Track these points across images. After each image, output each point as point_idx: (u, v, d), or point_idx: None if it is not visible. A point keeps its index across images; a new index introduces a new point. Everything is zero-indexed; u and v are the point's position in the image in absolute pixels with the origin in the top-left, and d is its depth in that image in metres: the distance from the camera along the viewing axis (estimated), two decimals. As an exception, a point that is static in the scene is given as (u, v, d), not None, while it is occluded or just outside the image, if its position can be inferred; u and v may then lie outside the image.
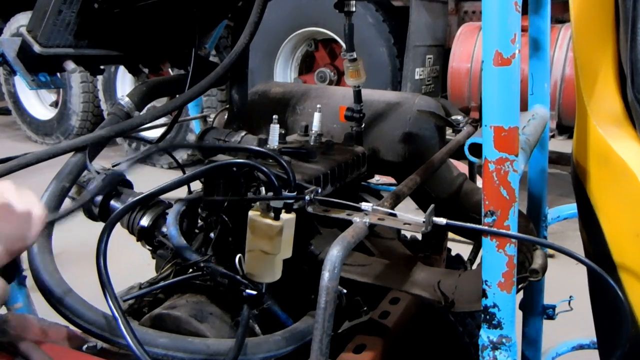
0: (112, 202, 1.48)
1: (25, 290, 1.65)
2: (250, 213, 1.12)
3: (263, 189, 1.20)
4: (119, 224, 1.28)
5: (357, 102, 1.72)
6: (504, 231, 0.89)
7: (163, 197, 1.38)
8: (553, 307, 1.76)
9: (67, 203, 1.25)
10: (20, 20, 7.07)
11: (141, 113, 1.43)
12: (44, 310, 1.15)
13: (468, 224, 0.97)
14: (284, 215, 1.10)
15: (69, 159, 1.24)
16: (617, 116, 1.14)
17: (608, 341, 1.25)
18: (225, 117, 1.80)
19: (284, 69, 6.62)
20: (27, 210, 0.83)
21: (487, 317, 0.93)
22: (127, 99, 1.42)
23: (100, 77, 6.64)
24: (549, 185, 1.71)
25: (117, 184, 1.43)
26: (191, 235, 1.46)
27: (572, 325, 1.95)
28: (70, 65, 1.38)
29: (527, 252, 1.19)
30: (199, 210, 1.46)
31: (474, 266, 1.96)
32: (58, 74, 1.43)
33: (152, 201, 1.46)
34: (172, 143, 1.44)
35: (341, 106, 1.73)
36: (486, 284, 0.92)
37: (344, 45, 1.70)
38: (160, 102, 3.52)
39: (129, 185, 1.55)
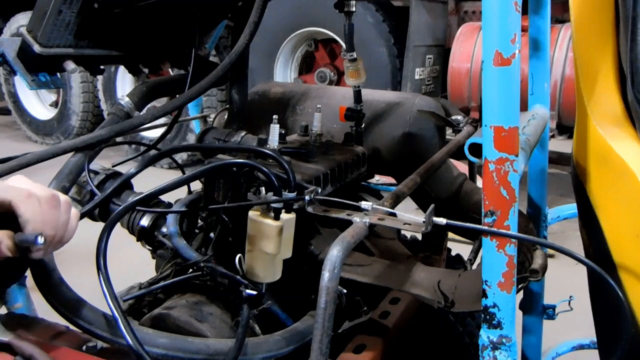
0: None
1: (25, 290, 1.65)
2: (250, 213, 1.12)
3: (263, 189, 1.20)
4: (119, 224, 1.28)
5: (357, 102, 1.72)
6: (504, 231, 0.89)
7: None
8: (553, 307, 1.76)
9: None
10: (20, 20, 7.07)
11: (141, 113, 1.43)
12: (44, 310, 1.15)
13: (468, 224, 0.97)
14: (284, 215, 1.10)
15: (69, 159, 1.24)
16: (617, 116, 1.14)
17: (608, 341, 1.25)
18: (225, 117, 1.80)
19: (284, 69, 6.62)
20: (67, 202, 0.84)
21: (487, 317, 0.93)
22: (127, 99, 1.42)
23: (100, 77, 6.64)
24: (549, 185, 1.71)
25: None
26: (191, 235, 1.46)
27: (572, 325, 1.95)
28: (70, 65, 1.38)
29: (527, 252, 1.19)
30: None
31: (474, 266, 1.96)
32: (58, 74, 1.43)
33: (152, 201, 1.46)
34: (174, 147, 1.43)
35: (341, 106, 1.73)
36: (486, 284, 0.92)
37: (344, 45, 1.70)
38: (160, 102, 3.52)
39: (128, 185, 1.55)
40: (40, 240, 0.76)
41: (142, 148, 1.70)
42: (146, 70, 1.68)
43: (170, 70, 1.93)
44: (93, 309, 1.02)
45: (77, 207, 1.63)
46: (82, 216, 1.08)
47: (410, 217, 0.99)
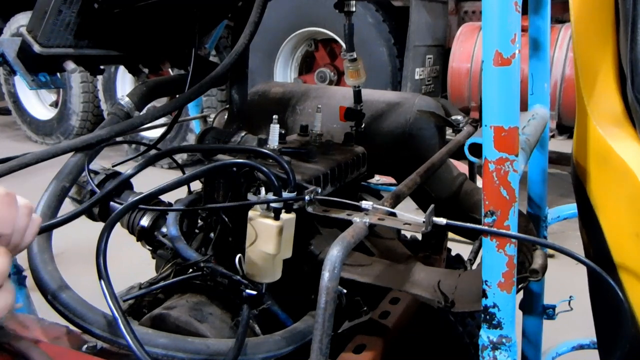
0: (112, 202, 1.48)
1: (25, 290, 1.66)
2: (250, 213, 1.12)
3: (263, 189, 1.20)
4: (119, 224, 1.28)
5: (357, 102, 1.72)
6: (504, 231, 0.88)
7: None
8: (553, 307, 1.76)
9: (67, 203, 1.25)
10: (20, 20, 7.08)
11: (141, 113, 1.43)
12: (44, 310, 1.15)
13: (468, 224, 0.97)
14: (284, 215, 1.10)
15: (69, 159, 1.24)
16: (617, 116, 1.14)
17: (608, 341, 1.25)
18: (225, 117, 1.80)
19: (284, 69, 6.62)
20: (28, 206, 0.81)
21: (487, 317, 0.93)
22: (127, 99, 1.42)
23: (100, 77, 6.64)
24: (549, 185, 1.71)
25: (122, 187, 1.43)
26: (191, 235, 1.46)
27: (572, 325, 1.95)
28: (70, 65, 1.38)
29: (527, 252, 1.19)
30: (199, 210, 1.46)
31: (474, 266, 1.96)
32: (58, 74, 1.43)
33: (152, 201, 1.46)
34: (173, 147, 1.43)
35: (341, 106, 1.73)
36: (486, 284, 0.92)
37: (344, 45, 1.70)
38: (160, 102, 3.52)
39: (129, 185, 1.55)
40: None
41: (142, 148, 1.70)
42: (146, 70, 1.68)
43: (170, 70, 1.93)
44: (93, 309, 1.02)
45: (77, 207, 1.63)
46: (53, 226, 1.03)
47: (410, 217, 0.99)
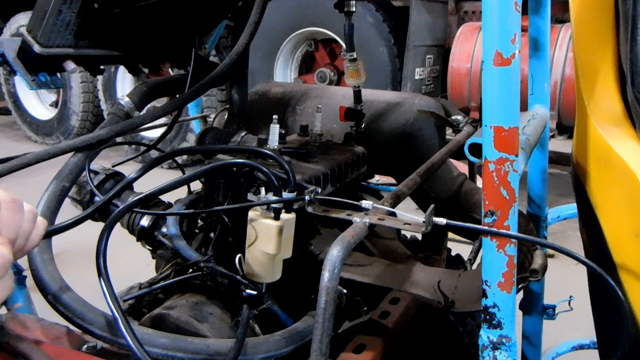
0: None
1: (25, 290, 1.65)
2: (250, 213, 1.12)
3: (263, 189, 1.20)
4: (118, 224, 1.28)
5: (357, 102, 1.72)
6: (504, 231, 0.88)
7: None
8: (553, 307, 1.76)
9: (67, 203, 1.25)
10: (20, 20, 7.08)
11: (141, 113, 1.43)
12: (44, 310, 1.15)
13: (468, 224, 0.97)
14: (284, 215, 1.10)
15: (68, 159, 1.24)
16: (617, 116, 1.14)
17: (608, 341, 1.25)
18: (225, 117, 1.80)
19: (284, 69, 6.63)
20: (33, 211, 0.82)
21: (487, 317, 0.93)
22: (127, 99, 1.42)
23: (100, 77, 6.64)
24: (549, 185, 1.71)
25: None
26: (191, 235, 1.46)
27: (572, 325, 1.95)
28: (70, 65, 1.38)
29: (527, 252, 1.19)
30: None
31: (474, 266, 1.96)
32: (58, 74, 1.43)
33: (152, 201, 1.46)
34: (176, 150, 1.43)
35: (341, 106, 1.73)
36: (486, 284, 0.92)
37: (344, 45, 1.70)
38: (160, 102, 3.52)
39: (129, 185, 1.55)
40: None
41: (142, 148, 1.70)
42: (146, 70, 1.68)
43: (170, 70, 1.93)
44: (93, 309, 1.02)
45: (77, 208, 1.63)
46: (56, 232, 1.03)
47: (410, 217, 0.99)
